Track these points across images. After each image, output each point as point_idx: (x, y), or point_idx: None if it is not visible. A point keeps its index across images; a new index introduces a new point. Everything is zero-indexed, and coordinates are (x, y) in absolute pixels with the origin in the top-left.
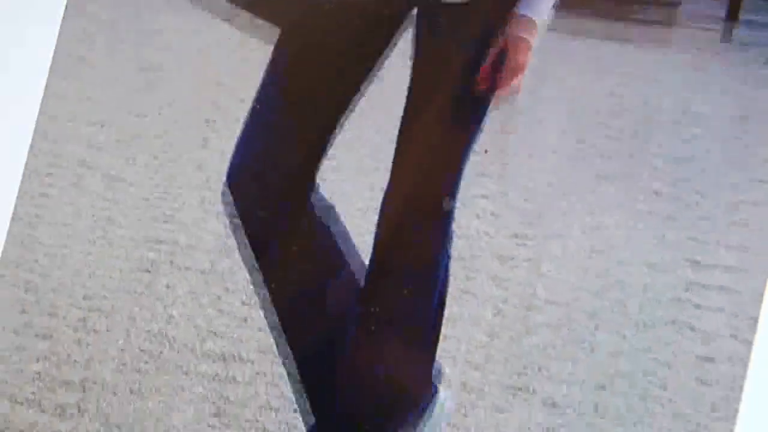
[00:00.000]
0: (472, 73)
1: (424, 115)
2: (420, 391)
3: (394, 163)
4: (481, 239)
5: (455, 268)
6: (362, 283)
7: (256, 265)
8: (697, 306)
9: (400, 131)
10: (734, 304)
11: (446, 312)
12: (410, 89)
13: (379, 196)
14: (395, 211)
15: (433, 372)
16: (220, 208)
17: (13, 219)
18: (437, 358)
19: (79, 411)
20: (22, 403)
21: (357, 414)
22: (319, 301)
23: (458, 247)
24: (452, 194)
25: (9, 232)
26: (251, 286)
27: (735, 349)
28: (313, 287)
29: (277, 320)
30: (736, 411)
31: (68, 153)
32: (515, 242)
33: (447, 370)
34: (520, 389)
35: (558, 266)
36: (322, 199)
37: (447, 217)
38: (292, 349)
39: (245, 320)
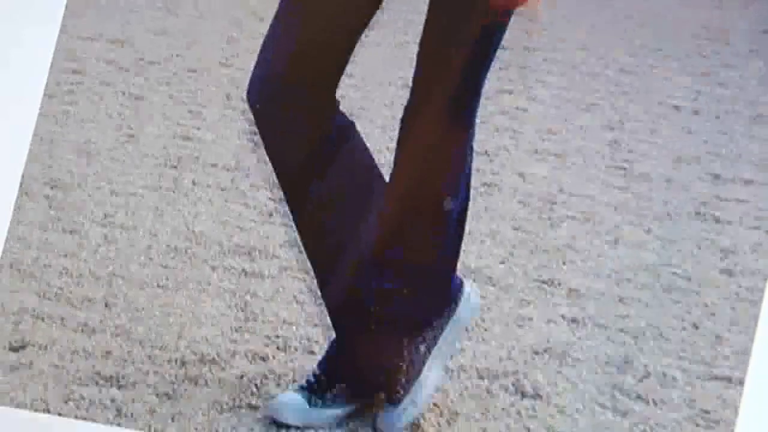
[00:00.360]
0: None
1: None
2: (441, 301)
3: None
4: (506, 135)
5: (480, 162)
6: (383, 199)
7: (276, 181)
8: (718, 220)
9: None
10: (758, 196)
11: (471, 205)
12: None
13: (399, 113)
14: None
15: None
16: (246, 105)
17: (40, 116)
18: (462, 252)
19: (106, 305)
20: (50, 298)
21: (381, 305)
22: (340, 219)
23: (482, 141)
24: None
25: (36, 131)
26: (276, 182)
27: (759, 239)
28: (334, 201)
29: (297, 235)
30: (761, 300)
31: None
32: (542, 137)
33: (472, 264)
34: (544, 282)
35: (578, 181)
36: (343, 115)
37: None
38: (313, 269)
39: (271, 215)
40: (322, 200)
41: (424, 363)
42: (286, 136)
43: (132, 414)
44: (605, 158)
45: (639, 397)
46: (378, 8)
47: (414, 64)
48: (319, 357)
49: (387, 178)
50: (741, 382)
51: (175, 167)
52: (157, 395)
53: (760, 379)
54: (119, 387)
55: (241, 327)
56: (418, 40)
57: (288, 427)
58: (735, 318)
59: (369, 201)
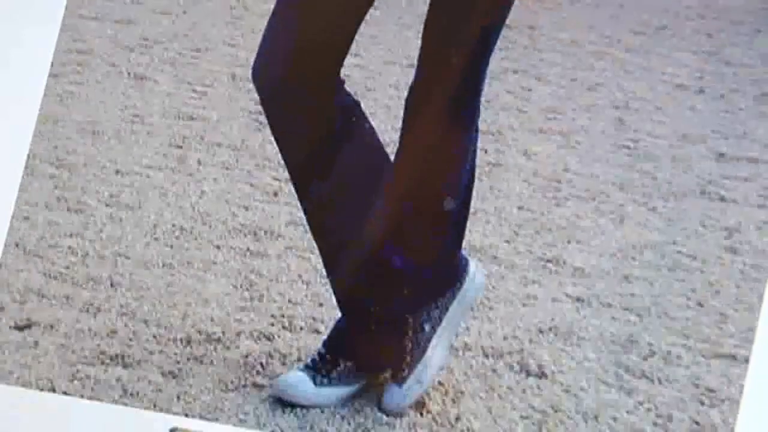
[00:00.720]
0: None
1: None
2: (446, 280)
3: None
4: (511, 114)
5: (485, 141)
6: (387, 176)
7: (282, 161)
8: (723, 199)
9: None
10: (762, 174)
11: (477, 185)
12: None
13: (404, 92)
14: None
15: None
16: (251, 85)
17: (45, 96)
18: (468, 231)
19: (111, 285)
20: (55, 277)
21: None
22: (343, 193)
23: (488, 121)
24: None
25: (41, 111)
26: (282, 161)
27: (763, 218)
28: (341, 184)
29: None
30: (766, 279)
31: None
32: (547, 116)
33: (477, 243)
34: (549, 261)
35: (583, 160)
36: (348, 95)
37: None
38: (320, 252)
39: (276, 195)
40: (329, 184)
41: (429, 342)
42: (293, 116)
43: (137, 393)
44: (610, 137)
45: (644, 375)
46: None
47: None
48: (324, 336)
49: (392, 158)
50: (746, 360)
51: (180, 147)
52: (162, 374)
53: (764, 357)
54: (125, 366)
55: (246, 306)
56: (422, 19)
57: (293, 406)
58: (739, 296)
59: (376, 183)
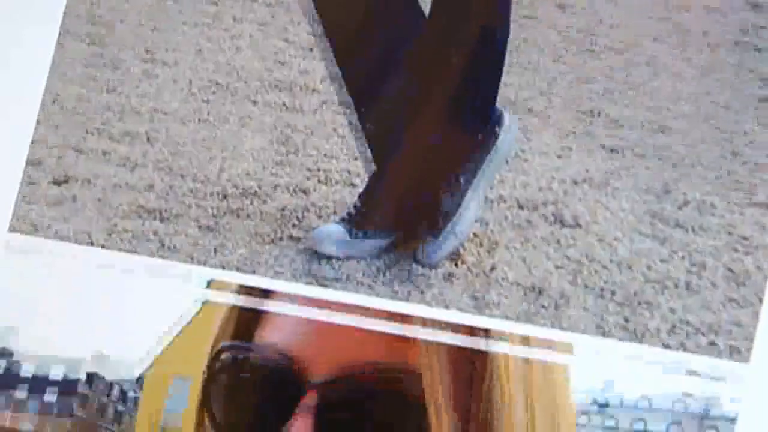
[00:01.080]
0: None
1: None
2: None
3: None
4: None
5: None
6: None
7: (316, 17)
8: (758, 49)
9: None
10: None
11: (511, 37)
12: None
13: None
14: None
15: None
16: None
17: None
18: (502, 84)
19: (148, 139)
20: (93, 133)
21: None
22: (376, 41)
23: None
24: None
25: None
26: (315, 17)
27: None
28: (371, 27)
29: (333, 56)
30: None
31: None
32: None
33: (512, 96)
34: (584, 113)
35: (618, 11)
36: None
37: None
38: (350, 93)
39: (311, 50)
40: (366, 41)
41: (464, 194)
42: None
43: (175, 246)
44: None
45: (678, 224)
46: None
47: None
48: (359, 189)
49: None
50: None
51: (216, 3)
52: (199, 228)
53: None
54: (162, 220)
55: (282, 161)
56: None
57: (329, 258)
58: None
59: (408, 30)
